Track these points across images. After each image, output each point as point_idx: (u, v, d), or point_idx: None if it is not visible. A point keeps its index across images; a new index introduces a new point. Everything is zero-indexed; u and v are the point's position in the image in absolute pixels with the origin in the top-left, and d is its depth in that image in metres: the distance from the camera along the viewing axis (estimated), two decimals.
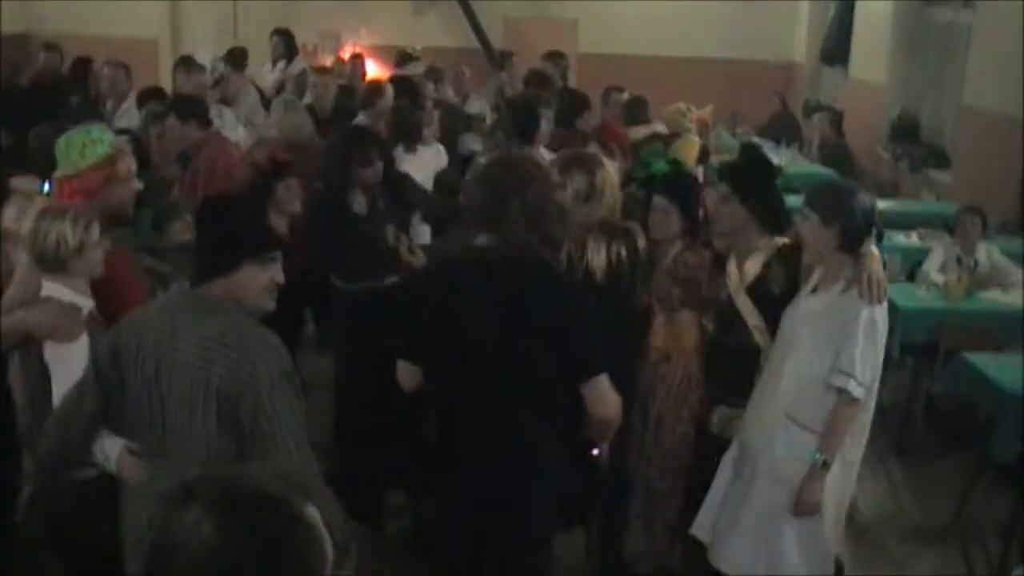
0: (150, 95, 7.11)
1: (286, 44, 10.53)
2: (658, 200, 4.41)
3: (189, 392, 2.72)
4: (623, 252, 4.07)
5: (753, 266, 4.12)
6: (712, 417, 4.24)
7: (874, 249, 3.82)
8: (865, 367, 3.68)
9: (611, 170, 4.24)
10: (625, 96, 7.68)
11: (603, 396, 3.18)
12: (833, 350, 3.70)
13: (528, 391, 3.15)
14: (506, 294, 3.14)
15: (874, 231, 3.90)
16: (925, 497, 5.50)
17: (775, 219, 4.14)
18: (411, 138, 6.42)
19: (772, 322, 4.00)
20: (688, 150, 6.41)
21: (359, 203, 4.92)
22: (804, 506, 3.77)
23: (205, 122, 6.05)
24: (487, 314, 3.11)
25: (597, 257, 4.03)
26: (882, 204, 8.93)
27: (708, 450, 4.24)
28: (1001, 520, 4.94)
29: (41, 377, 3.43)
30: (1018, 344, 6.07)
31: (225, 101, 8.17)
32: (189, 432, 2.74)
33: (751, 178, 4.21)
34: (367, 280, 4.81)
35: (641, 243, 4.16)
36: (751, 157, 4.57)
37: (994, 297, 6.60)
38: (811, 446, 3.76)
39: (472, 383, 3.17)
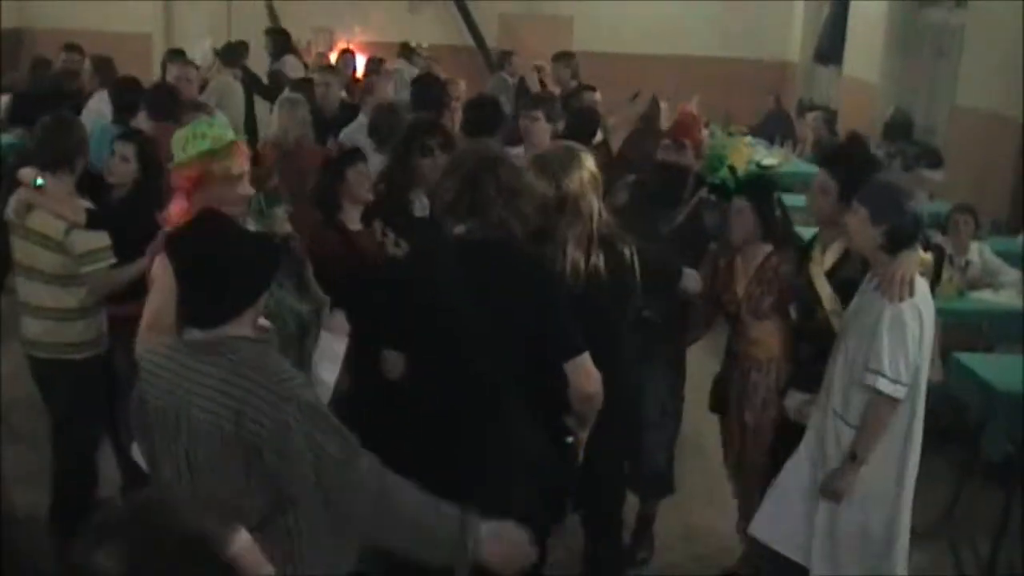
0: (125, 86, 7.04)
1: (275, 42, 10.52)
2: (736, 201, 4.41)
3: (206, 447, 2.52)
4: (600, 263, 3.68)
5: (833, 253, 4.13)
6: (786, 401, 4.27)
7: (922, 253, 3.81)
8: (897, 364, 3.66)
9: (591, 169, 3.73)
10: (597, 96, 7.65)
11: (587, 373, 3.25)
12: (866, 348, 3.72)
13: (510, 377, 3.20)
14: (487, 280, 3.18)
15: (921, 237, 3.87)
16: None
17: None
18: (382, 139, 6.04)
19: (847, 308, 4.00)
20: (739, 153, 6.33)
21: (421, 204, 4.76)
22: (829, 493, 3.85)
23: (154, 113, 5.86)
24: (469, 302, 3.15)
25: (573, 264, 3.64)
26: None
27: (784, 435, 4.26)
28: (991, 519, 4.95)
29: None
30: (1008, 344, 6.09)
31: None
32: (216, 487, 2.54)
33: (857, 176, 4.08)
34: None
35: (628, 253, 3.76)
36: (857, 150, 4.49)
37: (986, 297, 6.60)
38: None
39: (456, 371, 3.22)
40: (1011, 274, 6.78)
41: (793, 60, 14.89)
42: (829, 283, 4.11)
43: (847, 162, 4.30)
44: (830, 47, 13.28)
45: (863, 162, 4.31)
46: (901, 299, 3.66)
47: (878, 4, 11.78)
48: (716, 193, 4.70)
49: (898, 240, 3.70)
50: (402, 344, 3.40)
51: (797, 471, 4.04)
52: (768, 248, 4.40)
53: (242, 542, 1.51)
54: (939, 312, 6.31)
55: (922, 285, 3.76)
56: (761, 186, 4.52)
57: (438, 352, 3.26)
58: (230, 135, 3.75)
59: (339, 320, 3.75)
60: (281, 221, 4.00)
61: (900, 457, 3.86)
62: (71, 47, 8.92)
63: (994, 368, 5.41)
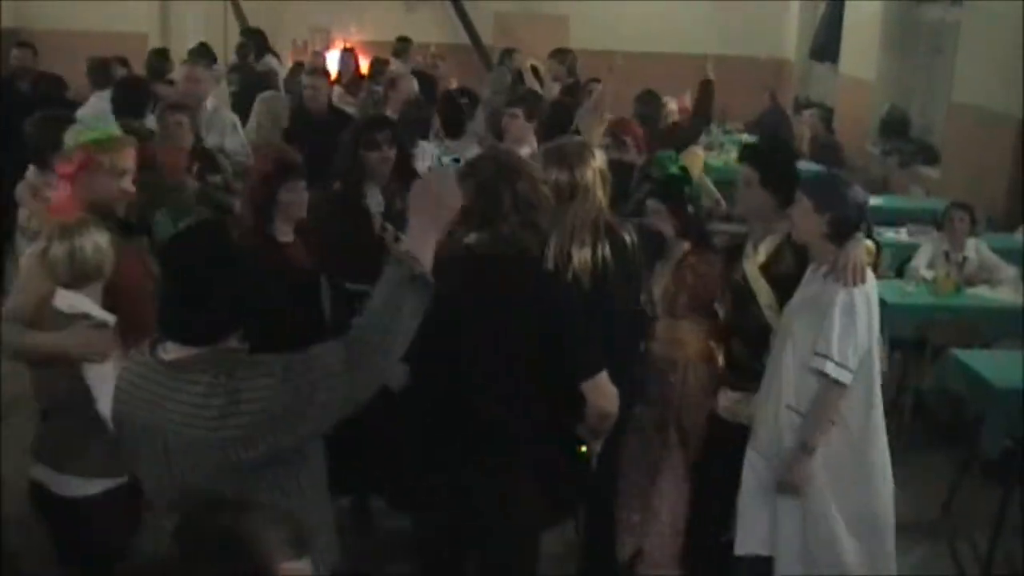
0: (128, 86, 7.03)
1: (254, 43, 10.52)
2: (651, 203, 4.50)
3: (195, 459, 2.46)
4: (607, 252, 3.79)
5: (767, 247, 4.15)
6: (719, 400, 4.27)
7: (866, 241, 3.85)
8: (845, 349, 3.69)
9: (601, 164, 3.88)
10: (600, 88, 7.69)
11: (605, 391, 3.19)
12: (814, 335, 3.74)
13: (516, 388, 3.15)
14: (496, 294, 3.12)
15: (864, 226, 3.93)
16: (913, 492, 5.52)
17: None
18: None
19: (783, 303, 4.02)
20: (694, 161, 6.47)
21: (376, 201, 4.81)
22: (786, 486, 3.82)
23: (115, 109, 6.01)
24: (480, 315, 3.10)
25: (582, 260, 3.72)
26: (871, 200, 8.97)
27: (717, 434, 4.27)
28: (988, 515, 4.96)
29: (74, 392, 3.38)
30: (1005, 340, 6.12)
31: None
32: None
33: (774, 162, 4.21)
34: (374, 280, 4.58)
35: (630, 240, 3.90)
36: (774, 141, 4.59)
37: (982, 293, 6.63)
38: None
39: (462, 383, 3.17)
40: (1007, 270, 6.80)
41: (789, 57, 14.90)
42: (765, 278, 4.12)
43: (764, 151, 4.50)
44: (826, 44, 13.30)
45: (779, 151, 4.51)
46: (855, 284, 3.71)
47: (874, 2, 11.79)
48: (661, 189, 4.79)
49: (843, 229, 3.75)
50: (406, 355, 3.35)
51: (755, 475, 3.99)
52: (685, 246, 4.45)
53: (299, 570, 1.48)
54: (936, 309, 6.40)
55: (869, 273, 3.80)
56: (674, 186, 4.58)
57: (445, 364, 3.18)
58: (117, 132, 3.89)
59: None
60: None
61: (860, 450, 3.87)
62: (23, 44, 8.88)
63: (991, 364, 5.42)
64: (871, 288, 3.80)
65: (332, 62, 11.09)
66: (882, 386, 6.25)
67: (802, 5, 14.65)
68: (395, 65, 10.46)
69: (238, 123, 6.95)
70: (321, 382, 2.46)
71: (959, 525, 5.20)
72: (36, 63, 8.57)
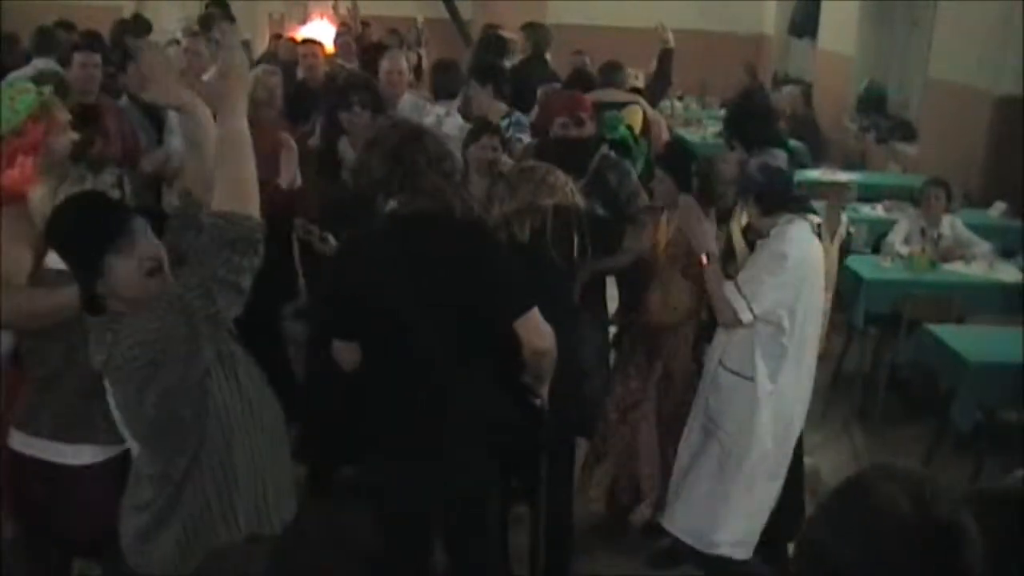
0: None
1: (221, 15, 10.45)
2: (657, 172, 4.61)
3: (151, 416, 2.71)
4: (536, 225, 3.78)
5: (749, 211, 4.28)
6: (703, 352, 4.41)
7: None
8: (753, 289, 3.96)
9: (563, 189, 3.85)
10: (586, 59, 7.71)
11: (537, 329, 3.23)
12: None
13: (463, 345, 3.18)
14: (425, 251, 3.16)
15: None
16: None
17: None
18: None
19: None
20: (635, 117, 6.49)
21: (350, 155, 4.86)
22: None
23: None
24: (410, 275, 3.12)
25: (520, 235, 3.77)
26: (848, 176, 9.03)
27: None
28: (960, 487, 5.03)
29: (70, 353, 3.26)
30: (978, 315, 6.18)
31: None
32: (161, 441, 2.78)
33: (751, 126, 4.41)
34: None
35: (548, 211, 3.80)
36: (751, 104, 4.69)
37: (957, 269, 6.68)
38: (742, 392, 4.05)
39: (407, 347, 3.19)
40: (982, 246, 6.85)
41: (768, 33, 14.89)
42: (745, 240, 4.28)
43: (741, 117, 4.81)
44: (805, 20, 13.29)
45: (757, 113, 4.88)
46: None
47: None
48: (616, 150, 4.86)
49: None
50: (350, 333, 3.35)
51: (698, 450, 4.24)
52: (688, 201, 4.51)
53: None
54: (911, 284, 6.45)
55: (817, 243, 4.11)
56: (675, 156, 4.70)
57: (387, 332, 3.21)
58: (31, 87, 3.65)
59: None
60: (109, 189, 3.83)
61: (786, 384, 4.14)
62: (68, 26, 8.81)
63: (965, 339, 5.48)
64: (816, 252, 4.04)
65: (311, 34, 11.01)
66: (858, 360, 6.33)
67: None
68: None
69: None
70: (198, 303, 2.56)
71: None
72: None
